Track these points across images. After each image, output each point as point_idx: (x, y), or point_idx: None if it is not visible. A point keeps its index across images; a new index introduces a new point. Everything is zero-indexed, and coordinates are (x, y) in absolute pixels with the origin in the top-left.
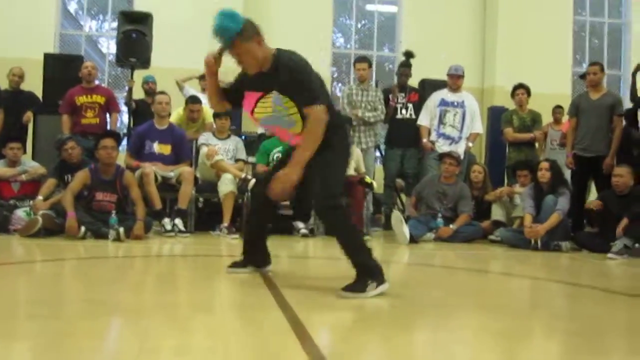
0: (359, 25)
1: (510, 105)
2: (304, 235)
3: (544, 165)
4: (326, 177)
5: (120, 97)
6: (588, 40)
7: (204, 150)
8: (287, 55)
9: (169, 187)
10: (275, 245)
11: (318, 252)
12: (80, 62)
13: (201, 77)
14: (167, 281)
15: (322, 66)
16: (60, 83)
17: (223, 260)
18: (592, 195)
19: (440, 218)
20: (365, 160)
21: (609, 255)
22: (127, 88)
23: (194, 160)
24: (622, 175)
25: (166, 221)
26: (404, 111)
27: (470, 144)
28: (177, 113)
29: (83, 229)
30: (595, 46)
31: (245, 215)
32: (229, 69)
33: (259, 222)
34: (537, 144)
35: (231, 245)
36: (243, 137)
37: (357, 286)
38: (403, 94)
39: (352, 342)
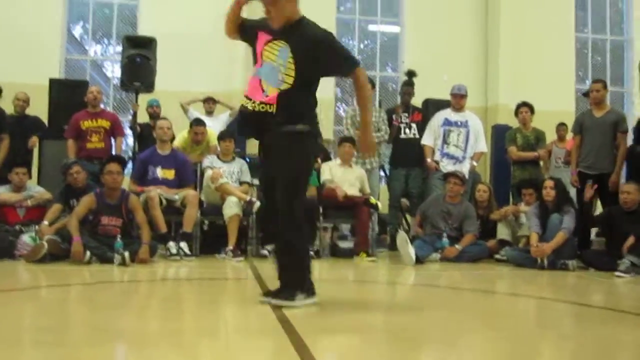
0: (362, 46)
1: (514, 122)
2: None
3: (549, 183)
4: (287, 186)
5: (125, 120)
6: (590, 58)
7: (208, 173)
8: (315, 26)
9: (173, 210)
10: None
11: (324, 274)
12: (86, 88)
13: (205, 100)
14: (172, 306)
15: (325, 87)
16: (66, 108)
17: (228, 283)
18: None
19: (446, 238)
20: (369, 181)
21: (616, 273)
22: (132, 112)
23: (198, 183)
24: (629, 192)
25: (171, 245)
26: (407, 131)
27: (475, 163)
28: (181, 136)
29: (88, 253)
30: (597, 63)
31: (255, 238)
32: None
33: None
34: (541, 163)
35: (236, 268)
36: (247, 159)
37: (284, 294)
38: (406, 114)
39: None
